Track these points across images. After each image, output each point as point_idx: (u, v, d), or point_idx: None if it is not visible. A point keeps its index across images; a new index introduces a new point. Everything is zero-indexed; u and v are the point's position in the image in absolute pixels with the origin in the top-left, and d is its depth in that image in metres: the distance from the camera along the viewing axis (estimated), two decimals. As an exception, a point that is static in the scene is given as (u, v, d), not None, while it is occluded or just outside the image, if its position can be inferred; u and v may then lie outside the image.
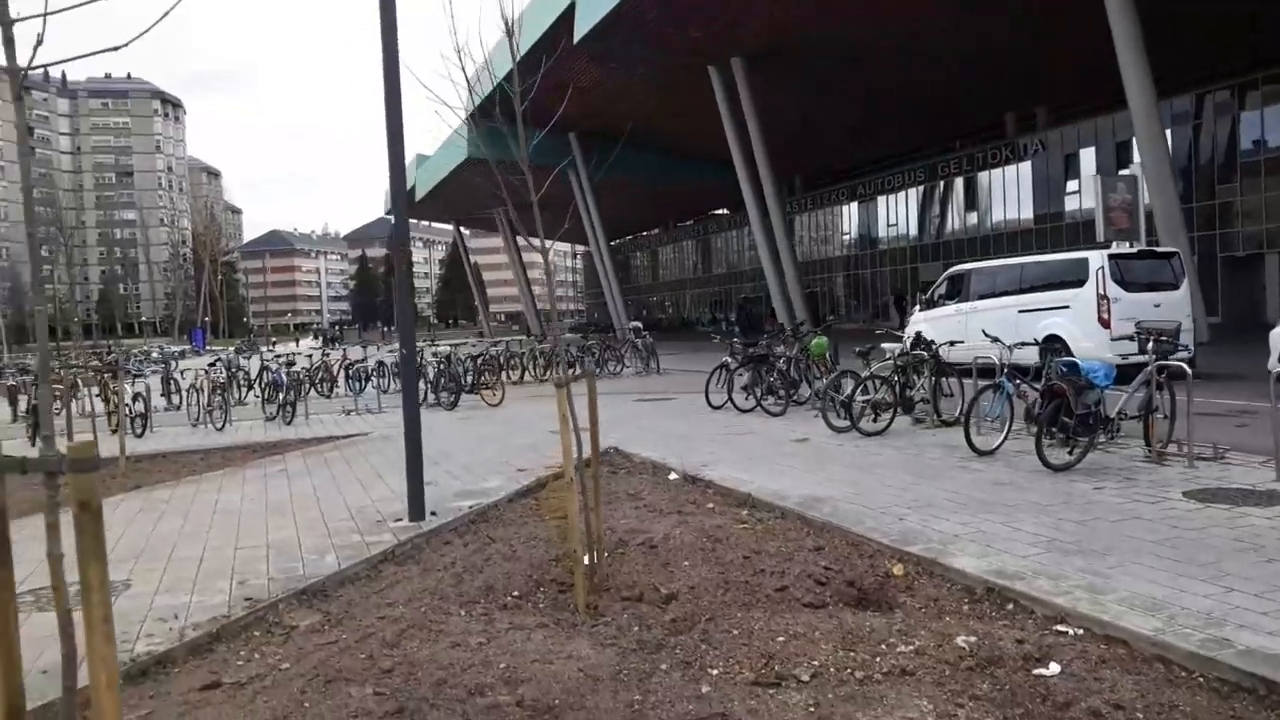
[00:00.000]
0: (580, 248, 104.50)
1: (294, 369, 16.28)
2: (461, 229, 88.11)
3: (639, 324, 28.45)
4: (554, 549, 6.66)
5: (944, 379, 11.41)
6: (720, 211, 70.25)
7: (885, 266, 51.95)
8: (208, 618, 5.28)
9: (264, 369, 18.53)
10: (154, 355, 37.36)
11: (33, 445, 14.11)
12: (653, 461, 9.69)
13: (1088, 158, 38.30)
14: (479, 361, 19.21)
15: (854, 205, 54.73)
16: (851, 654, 4.50)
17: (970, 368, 11.20)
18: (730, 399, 13.60)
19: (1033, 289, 16.63)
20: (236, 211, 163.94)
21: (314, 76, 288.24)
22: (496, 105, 5.83)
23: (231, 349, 55.82)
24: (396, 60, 7.32)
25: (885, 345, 12.02)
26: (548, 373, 23.41)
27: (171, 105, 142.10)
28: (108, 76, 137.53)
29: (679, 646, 4.71)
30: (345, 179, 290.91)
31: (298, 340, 75.50)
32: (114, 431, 14.24)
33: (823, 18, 29.28)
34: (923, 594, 5.37)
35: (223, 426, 14.84)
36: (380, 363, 19.95)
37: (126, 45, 2.52)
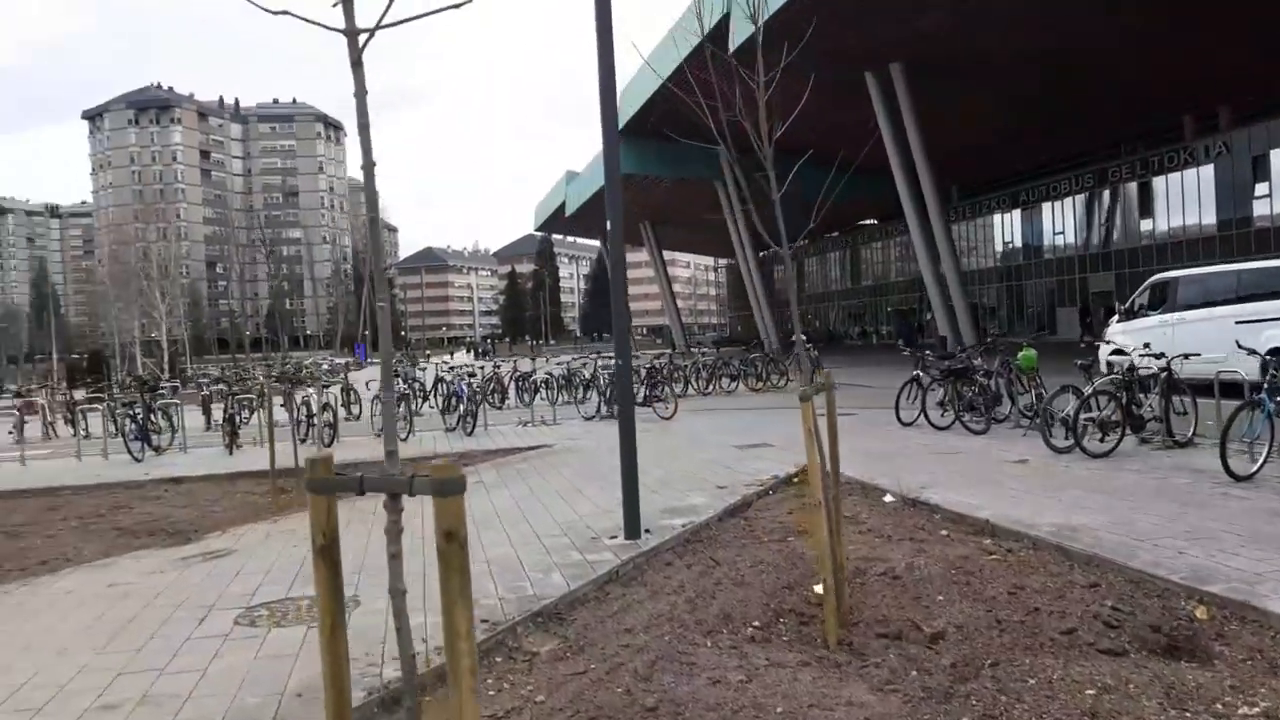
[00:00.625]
0: (723, 260, 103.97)
1: (474, 380, 16.39)
2: (607, 245, 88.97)
3: (804, 336, 27.72)
4: (783, 575, 6.23)
5: (1176, 396, 10.40)
6: (869, 222, 68.52)
7: (1050, 277, 49.46)
8: (448, 640, 5.04)
9: (439, 380, 18.81)
10: (324, 367, 38.86)
11: (230, 453, 14.62)
12: (860, 482, 9.11)
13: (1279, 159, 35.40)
14: (646, 374, 19.00)
15: (1015, 213, 52.36)
16: (1185, 714, 3.89)
17: (1205, 382, 10.20)
18: (925, 415, 12.86)
19: (1252, 297, 15.19)
20: (393, 229, 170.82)
21: (465, 100, 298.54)
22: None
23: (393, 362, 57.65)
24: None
25: (1113, 358, 11.08)
26: (710, 385, 23.04)
27: (333, 128, 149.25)
28: (275, 102, 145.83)
29: (972, 696, 4.19)
30: (495, 198, 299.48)
31: (451, 354, 77.71)
32: (302, 441, 14.62)
33: (992, 22, 27.99)
34: (1241, 643, 4.66)
35: (406, 437, 15.04)
36: (549, 374, 19.99)
37: (469, 1, 2.25)
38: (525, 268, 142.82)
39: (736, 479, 9.78)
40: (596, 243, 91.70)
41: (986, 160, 48.33)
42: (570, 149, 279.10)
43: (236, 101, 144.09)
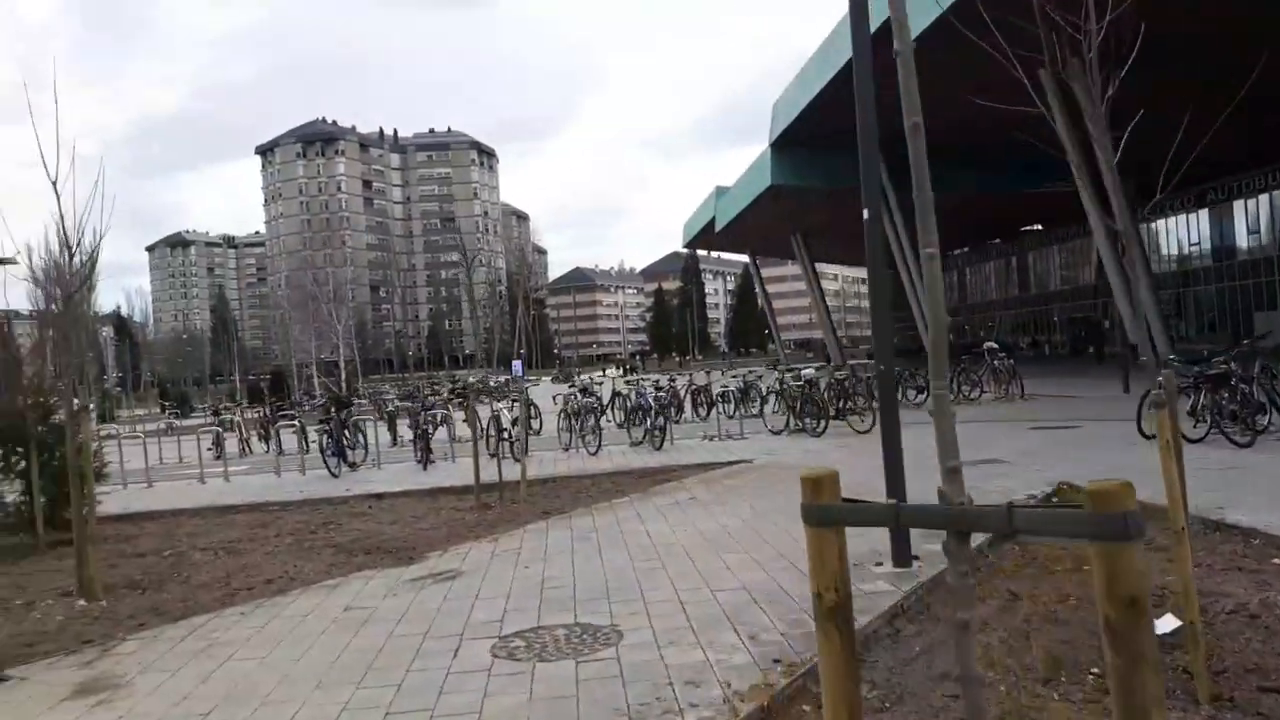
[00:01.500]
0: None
1: (661, 394, 15.87)
2: (756, 259, 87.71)
3: (995, 345, 26.16)
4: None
5: None
6: (1034, 227, 65.12)
7: (1247, 279, 45.64)
8: (744, 683, 4.40)
9: (615, 394, 18.44)
10: (491, 384, 39.43)
11: (424, 469, 14.50)
12: (1140, 501, 8.01)
13: None
14: (833, 386, 18.10)
15: (1203, 213, 48.55)
16: None
17: None
18: (1174, 427, 11.51)
19: None
20: (542, 252, 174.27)
21: (604, 126, 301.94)
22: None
23: (548, 379, 58.67)
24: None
25: None
26: (899, 399, 21.86)
27: (486, 155, 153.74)
28: (431, 131, 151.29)
29: None
30: (639, 219, 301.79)
31: (604, 370, 78.40)
32: (492, 455, 14.37)
33: (1189, 16, 25.80)
34: None
35: (596, 451, 14.64)
36: (725, 388, 19.36)
37: None
38: (671, 285, 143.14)
39: (987, 499, 8.78)
40: (742, 258, 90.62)
41: (1173, 157, 45.11)
42: (714, 169, 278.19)
43: (395, 132, 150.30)
